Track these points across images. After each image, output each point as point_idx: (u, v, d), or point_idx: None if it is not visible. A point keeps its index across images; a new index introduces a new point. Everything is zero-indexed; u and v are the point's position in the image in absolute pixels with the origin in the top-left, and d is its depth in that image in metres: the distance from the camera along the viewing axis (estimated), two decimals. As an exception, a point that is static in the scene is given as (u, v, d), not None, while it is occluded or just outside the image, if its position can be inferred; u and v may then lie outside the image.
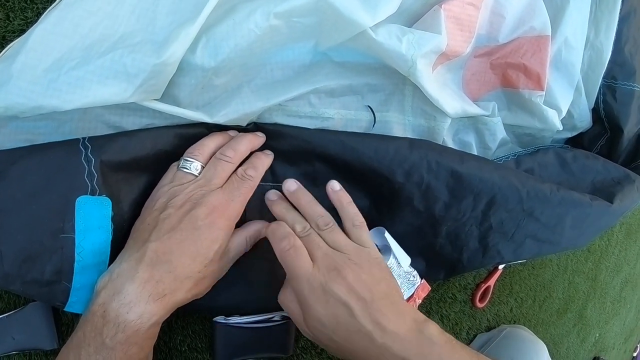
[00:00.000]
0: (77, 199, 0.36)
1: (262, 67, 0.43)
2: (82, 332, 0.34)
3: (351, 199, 0.45)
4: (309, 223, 0.42)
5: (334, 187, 0.45)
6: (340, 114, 0.47)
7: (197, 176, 0.40)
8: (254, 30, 0.39)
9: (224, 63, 0.40)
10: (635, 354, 1.44)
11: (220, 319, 0.47)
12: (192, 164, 0.40)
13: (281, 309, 0.49)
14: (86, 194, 0.36)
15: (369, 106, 0.47)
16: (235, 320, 0.47)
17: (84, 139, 0.37)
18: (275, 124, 0.44)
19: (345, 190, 0.46)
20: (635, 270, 1.20)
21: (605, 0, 0.63)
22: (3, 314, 0.43)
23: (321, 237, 0.41)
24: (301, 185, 0.44)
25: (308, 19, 0.41)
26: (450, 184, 0.47)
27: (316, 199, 0.44)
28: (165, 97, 0.40)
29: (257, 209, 0.45)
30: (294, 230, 0.40)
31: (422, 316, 0.39)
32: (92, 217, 0.37)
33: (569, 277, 0.91)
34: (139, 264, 0.35)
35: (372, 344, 0.36)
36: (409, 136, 0.51)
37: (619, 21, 0.64)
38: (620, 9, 0.63)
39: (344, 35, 0.42)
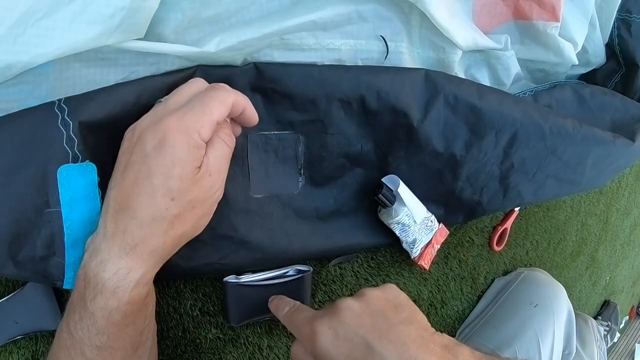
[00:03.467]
0: (59, 170, 0.33)
1: (256, -4, 0.39)
2: (71, 299, 0.32)
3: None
4: None
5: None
6: (349, 45, 0.42)
7: (161, 102, 0.34)
8: (247, -49, 0.34)
9: None
10: (642, 297, 1.45)
11: (230, 278, 0.44)
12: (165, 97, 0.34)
13: (294, 263, 0.47)
14: (67, 162, 0.33)
15: (381, 36, 0.43)
16: (247, 278, 0.44)
17: (59, 100, 0.33)
18: (279, 64, 0.40)
19: (353, 134, 0.42)
20: (644, 213, 1.19)
21: None
22: (2, 297, 0.41)
23: None
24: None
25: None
26: (470, 119, 0.44)
27: (335, 148, 0.40)
28: (149, 37, 0.35)
29: (259, 159, 0.42)
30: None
31: (450, 339, 0.32)
32: (78, 186, 0.34)
33: (582, 219, 0.89)
34: (106, 216, 0.31)
35: None
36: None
37: (634, -51, 0.60)
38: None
39: (348, -44, 0.37)
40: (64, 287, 0.36)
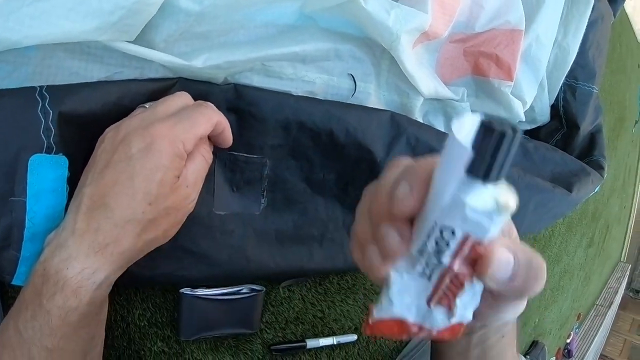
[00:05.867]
0: (31, 159, 0.32)
1: (246, 22, 0.41)
2: (22, 295, 0.30)
3: None
4: None
5: None
6: (322, 79, 0.45)
7: (146, 108, 0.34)
8: (247, -21, 0.36)
9: (208, 10, 0.37)
10: (568, 341, 1.54)
11: (186, 290, 0.44)
12: (149, 104, 0.35)
13: (248, 282, 0.48)
14: (41, 152, 0.32)
15: (351, 74, 0.46)
16: (202, 292, 0.45)
17: (41, 87, 0.33)
18: (257, 88, 0.42)
19: (319, 162, 0.45)
20: (573, 261, 1.29)
21: (577, 4, 0.66)
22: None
23: None
24: None
25: (302, -22, 0.39)
26: (427, 160, 0.47)
27: (298, 172, 0.42)
28: (139, 41, 0.36)
29: (225, 177, 0.43)
30: None
31: None
32: (46, 178, 0.33)
33: (516, 264, 0.95)
34: (77, 213, 0.30)
35: None
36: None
37: (586, 26, 0.67)
38: (590, 15, 0.66)
39: (333, 0, 0.40)
40: (13, 282, 0.34)
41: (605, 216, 1.55)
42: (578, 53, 0.68)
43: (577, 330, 1.63)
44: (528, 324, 1.13)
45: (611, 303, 2.08)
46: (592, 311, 1.91)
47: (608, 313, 2.01)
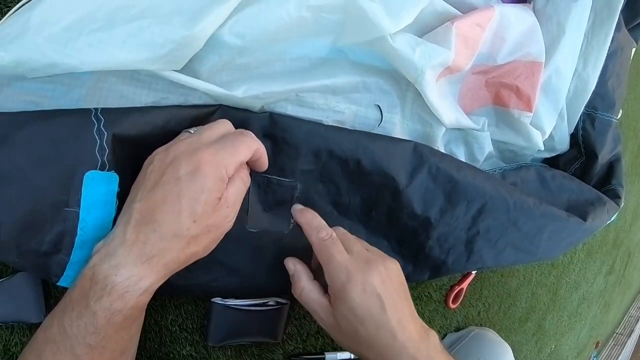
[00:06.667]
0: (86, 174, 0.36)
1: (282, 55, 0.45)
2: (69, 296, 0.33)
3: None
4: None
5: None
6: (351, 109, 0.49)
7: (192, 133, 0.38)
8: (285, 17, 0.40)
9: (249, 44, 0.41)
10: (584, 368, 1.51)
11: (217, 299, 0.48)
12: (193, 129, 0.39)
13: (274, 295, 0.51)
14: (95, 168, 0.36)
15: (378, 105, 0.49)
16: (232, 302, 0.48)
17: (96, 110, 0.36)
18: (291, 117, 0.45)
19: (345, 187, 0.48)
20: (592, 288, 1.28)
21: (597, 36, 0.68)
22: (-10, 282, 0.40)
23: None
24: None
25: (335, 16, 0.43)
26: (447, 189, 0.50)
27: (326, 196, 0.46)
28: (185, 70, 0.40)
29: (258, 197, 0.46)
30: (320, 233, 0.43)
31: (423, 323, 0.43)
32: (99, 192, 0.36)
33: (532, 288, 0.96)
34: (127, 225, 0.34)
35: (393, 342, 0.39)
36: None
37: (606, 57, 0.68)
38: (609, 46, 0.68)
39: (364, 36, 0.44)
40: (59, 283, 0.38)
41: (627, 244, 1.53)
42: (598, 83, 0.69)
43: (595, 358, 1.60)
44: (543, 350, 1.12)
45: (631, 332, 2.03)
46: (612, 340, 1.87)
47: (628, 342, 1.97)
